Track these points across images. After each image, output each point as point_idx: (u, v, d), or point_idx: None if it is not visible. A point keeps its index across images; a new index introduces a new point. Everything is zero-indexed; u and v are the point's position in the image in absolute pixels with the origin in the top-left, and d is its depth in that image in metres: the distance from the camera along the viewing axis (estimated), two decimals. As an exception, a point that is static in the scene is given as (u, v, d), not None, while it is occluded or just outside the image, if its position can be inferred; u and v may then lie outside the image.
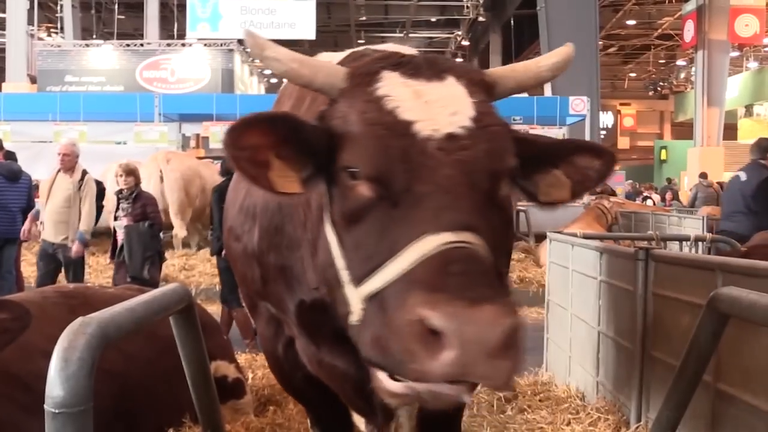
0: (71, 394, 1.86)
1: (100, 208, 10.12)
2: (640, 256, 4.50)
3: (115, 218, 9.21)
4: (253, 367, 6.15)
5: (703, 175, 22.01)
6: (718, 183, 21.75)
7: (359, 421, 3.21)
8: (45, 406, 1.86)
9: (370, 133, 1.95)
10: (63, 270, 9.37)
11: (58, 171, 9.23)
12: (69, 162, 9.15)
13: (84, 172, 9.29)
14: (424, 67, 2.09)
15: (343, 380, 2.80)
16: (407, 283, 1.72)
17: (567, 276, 5.98)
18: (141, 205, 8.99)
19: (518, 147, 2.16)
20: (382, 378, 1.80)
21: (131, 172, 9.10)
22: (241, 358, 6.13)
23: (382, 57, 2.19)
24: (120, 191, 9.18)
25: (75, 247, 9.01)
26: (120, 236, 9.07)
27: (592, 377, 5.34)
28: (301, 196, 2.29)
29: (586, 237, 6.38)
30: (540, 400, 5.41)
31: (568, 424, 4.83)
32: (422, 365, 1.60)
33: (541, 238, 13.01)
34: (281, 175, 2.08)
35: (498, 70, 2.29)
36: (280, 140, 2.06)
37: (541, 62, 2.35)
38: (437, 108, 1.97)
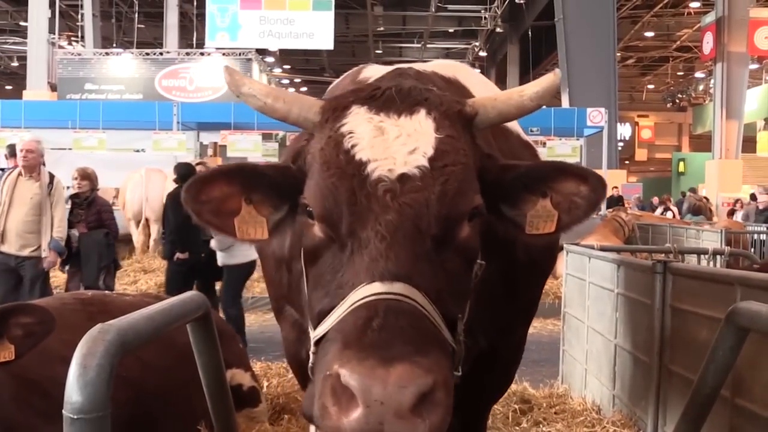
0: (89, 401, 1.87)
1: None
2: (657, 269, 4.48)
3: (70, 224, 8.70)
4: (268, 375, 6.16)
5: (693, 190, 23.89)
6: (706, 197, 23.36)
7: None
8: (63, 412, 1.88)
9: (323, 173, 1.96)
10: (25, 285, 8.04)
11: (19, 174, 8.04)
12: (33, 160, 7.98)
13: (51, 176, 8.23)
14: (397, 100, 2.06)
15: None
16: (335, 333, 1.74)
17: (584, 288, 5.96)
18: (96, 212, 8.75)
19: (500, 174, 2.13)
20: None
21: (87, 176, 8.78)
22: (256, 366, 6.14)
23: (359, 89, 2.18)
24: (75, 195, 8.86)
25: (50, 257, 8.08)
26: (75, 244, 8.73)
27: (609, 390, 5.31)
28: None
29: (603, 249, 6.35)
30: (555, 413, 5.39)
31: (584, 437, 4.81)
32: (334, 421, 1.61)
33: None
34: (248, 221, 2.14)
35: (480, 100, 2.22)
36: (244, 188, 2.12)
37: (525, 91, 2.23)
38: (396, 146, 1.94)
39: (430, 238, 1.87)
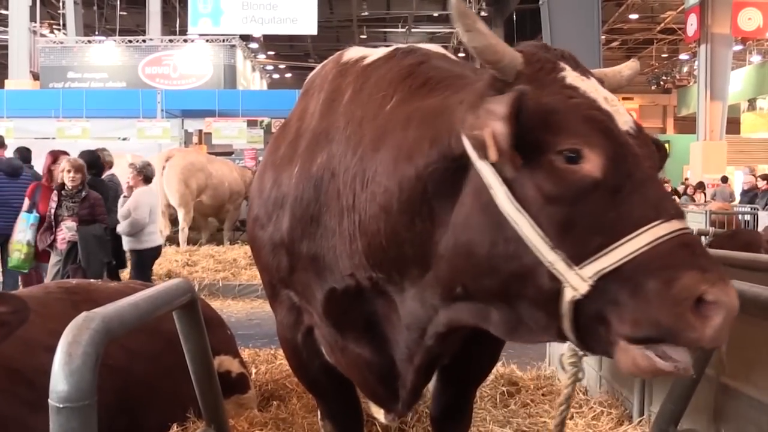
0: (76, 389, 1.87)
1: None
2: (642, 250, 4.49)
3: (55, 215, 8.47)
4: (257, 362, 6.15)
5: None
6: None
7: (377, 412, 3.20)
8: (49, 401, 1.87)
9: (596, 118, 2.02)
10: None
11: None
12: None
13: None
14: (573, 63, 2.18)
15: (367, 368, 2.83)
16: (662, 261, 1.88)
17: (569, 270, 5.96)
18: (89, 206, 8.44)
19: None
20: (651, 356, 1.91)
21: (80, 169, 8.49)
22: (244, 353, 6.14)
23: (541, 46, 2.24)
24: (62, 186, 8.50)
25: None
26: (64, 235, 8.41)
27: (595, 371, 5.34)
28: (337, 185, 2.57)
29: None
30: (543, 395, 5.41)
31: (571, 418, 4.82)
32: (698, 333, 1.83)
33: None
34: None
35: (598, 73, 2.35)
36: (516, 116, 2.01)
37: (623, 72, 2.56)
38: (613, 106, 2.07)
39: None
